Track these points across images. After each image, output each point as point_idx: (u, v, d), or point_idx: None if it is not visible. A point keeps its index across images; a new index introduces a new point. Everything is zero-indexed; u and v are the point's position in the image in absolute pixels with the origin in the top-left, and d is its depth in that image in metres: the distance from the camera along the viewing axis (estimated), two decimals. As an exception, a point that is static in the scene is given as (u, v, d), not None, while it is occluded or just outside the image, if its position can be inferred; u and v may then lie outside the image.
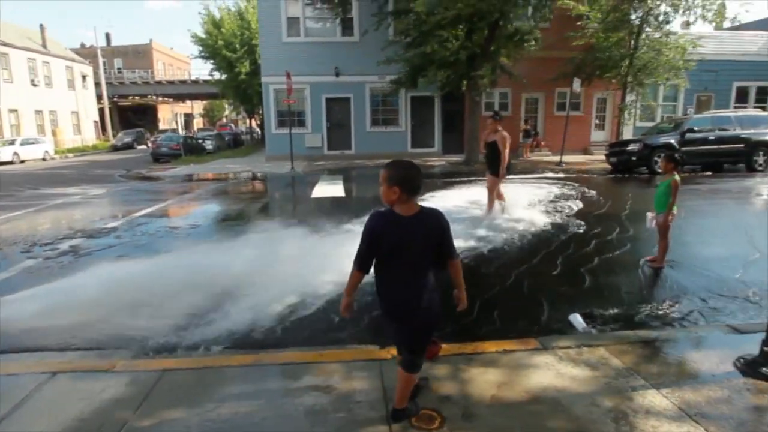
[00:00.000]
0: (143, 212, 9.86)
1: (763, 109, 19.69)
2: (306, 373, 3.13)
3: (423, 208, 2.41)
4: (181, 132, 50.68)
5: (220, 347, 3.68)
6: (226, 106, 57.17)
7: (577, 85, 16.80)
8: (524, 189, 11.41)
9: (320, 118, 20.14)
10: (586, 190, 11.43)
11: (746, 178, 13.38)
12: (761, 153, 14.46)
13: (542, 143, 20.25)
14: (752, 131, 14.48)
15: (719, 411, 2.77)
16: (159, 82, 48.72)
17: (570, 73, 17.49)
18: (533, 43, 16.10)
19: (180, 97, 54.87)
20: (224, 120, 64.28)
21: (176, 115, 61.55)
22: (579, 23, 17.61)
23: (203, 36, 29.75)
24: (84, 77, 40.61)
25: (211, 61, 31.01)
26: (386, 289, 2.46)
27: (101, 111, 42.67)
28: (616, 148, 15.40)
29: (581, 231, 7.47)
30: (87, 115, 40.66)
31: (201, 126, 62.17)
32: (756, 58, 21.45)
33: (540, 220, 8.09)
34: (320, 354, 3.39)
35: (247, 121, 47.25)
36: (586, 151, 20.32)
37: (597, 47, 17.50)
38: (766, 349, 3.18)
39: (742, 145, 14.39)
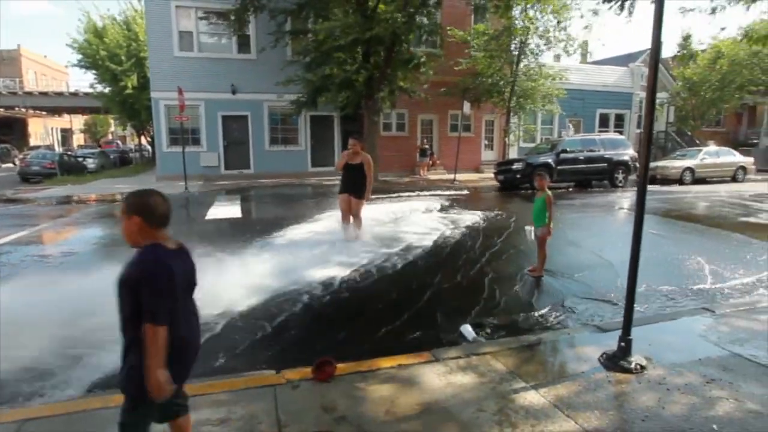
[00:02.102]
0: (7, 239, 8.70)
1: (621, 133, 22.60)
2: (196, 407, 2.96)
3: (180, 244, 2.09)
4: (58, 149, 45.65)
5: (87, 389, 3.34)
6: (112, 121, 52.54)
7: (467, 108, 18.01)
8: (419, 204, 11.95)
9: (216, 136, 19.35)
10: (477, 205, 12.21)
11: (610, 193, 15.21)
12: (620, 171, 16.58)
13: (437, 162, 21.30)
14: (613, 152, 16.57)
15: (586, 403, 3.09)
16: (29, 93, 43.51)
17: (459, 96, 18.74)
18: (429, 70, 16.97)
19: (56, 111, 49.48)
20: (110, 137, 59.05)
21: (51, 130, 55.41)
22: (465, 50, 19.01)
23: (83, 44, 27.25)
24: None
25: (93, 72, 28.46)
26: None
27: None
28: (503, 167, 16.70)
29: (470, 244, 7.95)
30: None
31: (82, 143, 56.55)
32: (613, 89, 24.63)
33: (431, 235, 8.48)
34: (210, 384, 3.22)
35: (136, 138, 43.93)
36: (477, 170, 21.75)
37: (481, 73, 18.98)
38: (622, 344, 3.62)
39: (605, 164, 16.40)
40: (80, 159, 26.97)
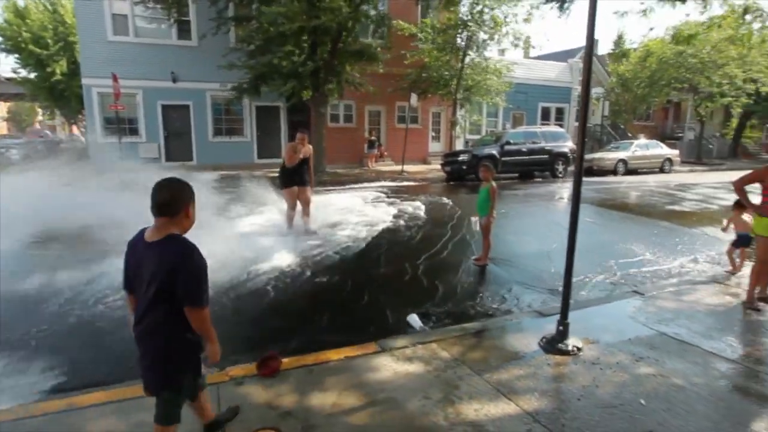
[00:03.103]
0: None
1: (561, 126, 23.57)
2: (131, 411, 2.82)
3: (169, 237, 2.06)
4: (-24, 139, 41.93)
5: None
6: (39, 109, 48.83)
7: (414, 100, 18.13)
8: (366, 195, 11.97)
9: (156, 126, 18.42)
10: (423, 197, 12.37)
11: (551, 184, 15.85)
12: (560, 162, 17.30)
13: (385, 154, 21.35)
14: (554, 144, 17.25)
15: (526, 386, 3.22)
16: (-61, 78, 39.65)
17: (407, 88, 18.84)
18: (378, 62, 16.88)
19: (-28, 97, 45.39)
20: (37, 126, 54.91)
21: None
22: (413, 43, 19.11)
23: (2, 24, 25.06)
24: None
25: (15, 56, 26.28)
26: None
27: None
28: (450, 158, 16.99)
29: (417, 235, 8.05)
30: None
31: (5, 132, 52.28)
32: (554, 83, 25.60)
33: (378, 226, 8.52)
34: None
35: (68, 127, 41.11)
36: (425, 161, 22.00)
37: (429, 66, 19.16)
38: (560, 328, 3.79)
39: (546, 156, 17.06)
40: (1, 150, 24.95)
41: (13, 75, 30.40)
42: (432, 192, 13.69)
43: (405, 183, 15.77)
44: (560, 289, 5.37)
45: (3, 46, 25.69)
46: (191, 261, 2.01)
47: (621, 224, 9.45)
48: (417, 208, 10.56)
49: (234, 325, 4.34)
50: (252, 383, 3.09)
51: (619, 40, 26.43)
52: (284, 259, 6.23)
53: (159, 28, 18.03)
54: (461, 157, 16.22)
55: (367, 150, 20.25)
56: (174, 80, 18.08)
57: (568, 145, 17.56)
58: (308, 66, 15.00)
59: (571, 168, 17.05)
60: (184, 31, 18.17)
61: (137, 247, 2.11)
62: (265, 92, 16.35)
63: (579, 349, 3.72)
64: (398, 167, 18.48)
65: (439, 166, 18.38)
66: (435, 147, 22.99)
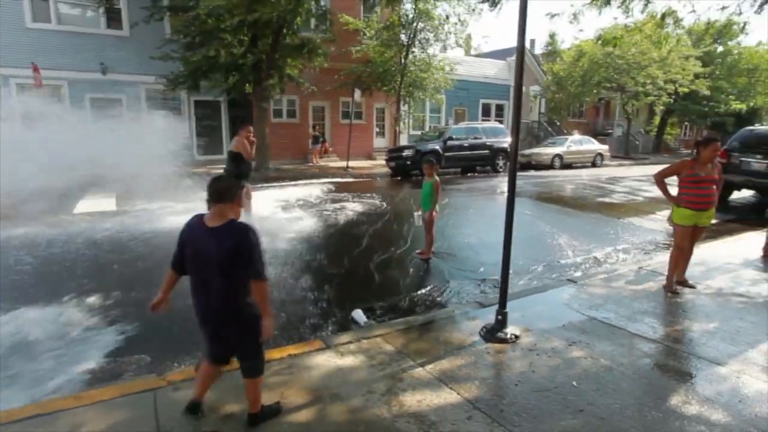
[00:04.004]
0: None
1: (501, 122, 24.37)
2: (62, 425, 2.65)
3: (230, 222, 2.41)
4: None
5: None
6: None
7: (357, 95, 18.11)
8: (309, 191, 11.87)
9: (84, 121, 17.29)
10: (368, 191, 12.40)
11: (492, 178, 16.35)
12: (501, 157, 17.87)
13: (330, 149, 21.21)
14: (494, 140, 17.79)
15: (467, 375, 3.31)
16: None
17: (351, 84, 18.79)
18: (320, 57, 16.68)
19: None
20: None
21: None
22: (357, 38, 19.08)
23: None
24: None
25: None
26: (194, 301, 2.49)
27: None
28: (394, 153, 17.11)
29: (361, 230, 8.07)
30: None
31: None
32: (494, 81, 26.41)
33: (321, 221, 8.47)
34: (77, 397, 2.90)
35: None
36: (370, 157, 22.06)
37: (373, 61, 19.20)
38: (499, 317, 3.94)
39: (487, 151, 17.57)
40: None
41: None
42: (376, 187, 13.75)
43: (349, 178, 15.73)
44: (499, 279, 5.64)
45: None
46: (253, 240, 2.40)
47: (556, 216, 9.91)
48: (360, 203, 10.58)
49: (175, 326, 4.18)
50: (190, 388, 2.98)
51: (551, 41, 27.59)
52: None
53: (85, 15, 16.90)
54: (405, 153, 16.38)
55: (311, 146, 20.03)
56: (103, 72, 17.02)
57: (507, 141, 18.15)
58: (248, 59, 14.60)
59: (511, 163, 17.73)
60: (114, 20, 17.12)
61: (196, 232, 2.44)
62: (205, 87, 15.74)
63: (517, 337, 3.88)
64: (343, 163, 18.42)
65: (383, 162, 18.48)
66: (379, 143, 23.09)
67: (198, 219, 2.47)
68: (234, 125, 19.36)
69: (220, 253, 2.33)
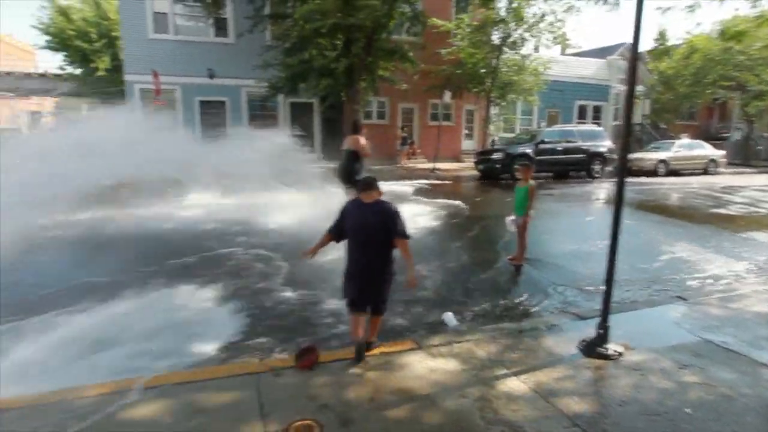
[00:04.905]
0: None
1: (599, 125, 22.94)
2: (177, 395, 2.91)
3: (378, 200, 3.39)
4: (26, 133, 43.90)
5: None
6: (84, 105, 50.82)
7: (447, 97, 17.99)
8: (395, 193, 11.92)
9: (193, 122, 18.91)
10: (456, 194, 12.26)
11: (587, 184, 15.45)
12: (597, 162, 16.82)
13: (417, 151, 21.28)
14: (591, 143, 16.79)
15: (565, 388, 3.15)
16: (-6, 74, 41.73)
17: (441, 86, 18.70)
18: (413, 60, 16.78)
19: (23, 93, 47.53)
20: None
21: (19, 113, 53.29)
22: (448, 40, 18.96)
23: (50, 24, 26.16)
24: None
25: (63, 54, 27.43)
26: (349, 261, 3.41)
27: None
28: (483, 156, 16.78)
29: (451, 233, 7.99)
30: None
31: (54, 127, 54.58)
32: (591, 81, 24.95)
33: (409, 223, 8.45)
34: (192, 373, 3.17)
35: (109, 122, 42.51)
36: (457, 159, 21.82)
37: (464, 63, 18.96)
38: (600, 331, 3.70)
39: (583, 156, 16.62)
40: (49, 143, 26.01)
41: (61, 72, 31.78)
42: (464, 190, 13.57)
43: (436, 180, 15.66)
44: (596, 290, 5.31)
45: (52, 44, 26.83)
46: (395, 210, 3.39)
47: (662, 227, 9.14)
48: (449, 205, 10.48)
49: (274, 316, 4.43)
50: (290, 375, 3.13)
51: (661, 37, 25.44)
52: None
53: (197, 25, 18.48)
54: (495, 156, 15.99)
55: (399, 147, 20.24)
56: (211, 77, 18.49)
57: (605, 145, 17.07)
58: (342, 63, 15.08)
59: (609, 168, 16.64)
60: (221, 28, 18.56)
61: (354, 208, 3.42)
62: (301, 90, 16.53)
63: (620, 354, 3.62)
64: (430, 165, 18.39)
65: (471, 164, 18.20)
66: (467, 145, 22.77)
67: (355, 200, 3.45)
68: (326, 126, 20.17)
69: (375, 220, 3.29)
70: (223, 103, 19.04)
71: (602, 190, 14.08)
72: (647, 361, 3.55)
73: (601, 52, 27.89)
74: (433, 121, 20.84)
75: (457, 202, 10.98)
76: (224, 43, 18.54)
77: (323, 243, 3.51)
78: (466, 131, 23.02)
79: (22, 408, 2.79)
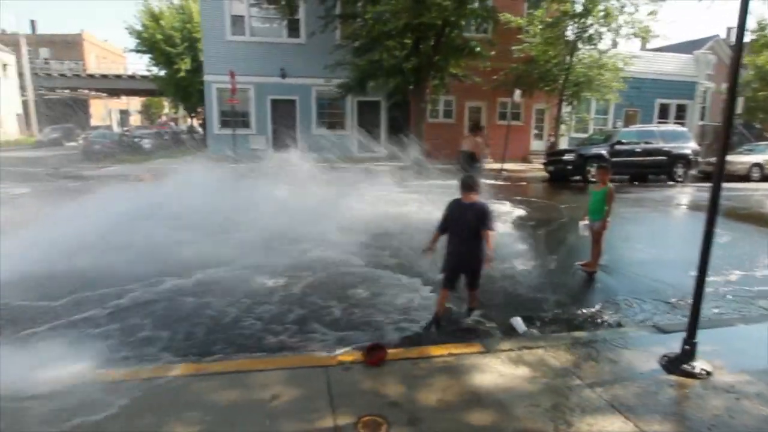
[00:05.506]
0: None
1: (682, 124, 21.36)
2: (249, 383, 3.04)
3: (477, 201, 4.07)
4: (116, 129, 47.85)
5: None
6: (166, 103, 54.61)
7: (517, 95, 17.48)
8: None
9: (265, 119, 19.71)
10: (526, 196, 11.90)
11: (668, 189, 14.44)
12: (680, 165, 15.66)
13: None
14: (673, 145, 15.66)
15: (646, 406, 2.95)
16: (91, 76, 45.69)
17: (510, 84, 18.20)
18: (485, 56, 16.46)
19: (115, 93, 51.79)
20: (163, 118, 61.33)
21: (110, 111, 58.13)
22: (519, 36, 18.39)
23: (140, 28, 28.33)
24: (5, 66, 37.47)
25: (149, 56, 29.60)
26: (449, 247, 4.12)
27: (25, 104, 39.48)
28: (554, 157, 16.16)
29: (520, 236, 7.74)
30: (8, 107, 37.51)
31: (139, 123, 59.05)
32: (674, 77, 23.27)
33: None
34: (264, 361, 3.30)
35: (188, 119, 45.41)
36: (525, 160, 21.16)
37: (536, 60, 18.31)
38: (686, 347, 3.43)
39: (664, 158, 15.53)
40: (136, 139, 28.14)
41: (147, 73, 34.31)
42: (534, 192, 13.14)
43: (505, 182, 15.28)
44: (678, 303, 4.94)
45: (140, 47, 29.01)
46: (489, 210, 4.05)
47: (757, 237, 8.36)
48: (519, 207, 10.19)
49: (339, 312, 4.51)
50: (359, 370, 3.17)
51: (760, 29, 23.20)
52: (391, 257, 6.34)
53: (271, 27, 19.22)
54: (566, 157, 15.35)
55: (464, 147, 19.94)
56: (283, 76, 19.17)
57: (689, 146, 15.87)
58: (411, 62, 15.09)
59: (693, 171, 15.47)
60: (293, 29, 19.20)
61: (456, 207, 4.11)
62: (369, 89, 16.75)
63: (708, 373, 3.34)
64: (498, 165, 17.98)
65: (539, 165, 17.61)
66: (537, 145, 22.04)
67: (457, 200, 4.11)
68: (392, 124, 20.29)
69: (472, 218, 3.96)
70: (293, 101, 19.67)
71: (684, 195, 13.13)
72: (740, 383, 3.25)
73: (688, 47, 25.96)
74: (502, 120, 20.35)
75: (526, 205, 10.65)
76: (296, 44, 19.15)
77: (435, 239, 4.21)
78: (536, 131, 22.29)
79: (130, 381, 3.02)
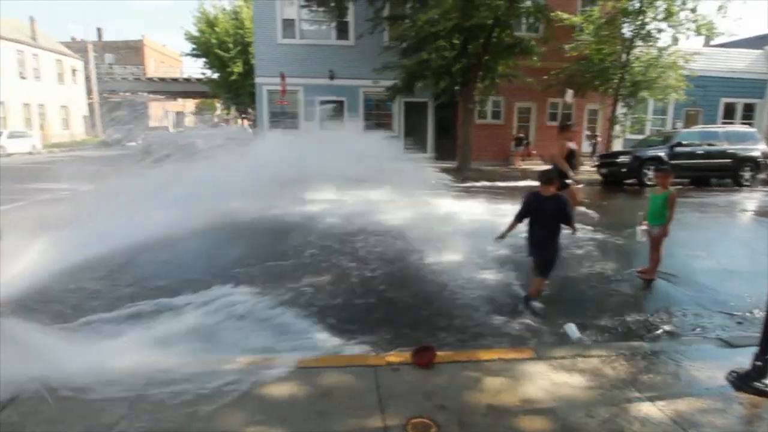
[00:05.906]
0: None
1: (750, 125, 20.01)
2: (297, 378, 3.08)
3: (556, 194, 4.40)
4: (172, 130, 50.10)
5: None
6: (218, 105, 56.70)
7: (569, 96, 16.92)
8: (509, 194, 11.46)
9: (313, 120, 20.03)
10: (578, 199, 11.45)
11: (733, 193, 13.55)
12: (747, 168, 14.66)
13: (533, 153, 20.33)
14: (739, 147, 14.69)
15: (713, 424, 2.78)
16: (151, 79, 48.25)
17: (562, 84, 17.64)
18: (533, 55, 16.05)
19: (171, 95, 54.34)
20: (215, 120, 63.67)
21: (167, 112, 60.97)
22: (572, 34, 17.78)
23: (196, 34, 29.59)
24: (74, 71, 40.07)
25: (204, 60, 30.87)
26: (529, 235, 4.53)
27: (91, 106, 42.12)
28: (607, 159, 15.53)
29: (573, 240, 7.46)
30: (76, 109, 40.10)
31: (193, 124, 61.61)
32: (743, 75, 21.85)
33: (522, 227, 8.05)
34: (315, 359, 3.34)
35: (239, 121, 46.95)
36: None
37: (590, 59, 17.64)
38: (758, 363, 3.20)
39: (729, 161, 14.58)
40: (191, 140, 29.33)
41: (201, 76, 35.79)
42: (586, 195, 12.66)
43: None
44: (745, 315, 4.62)
45: (195, 52, 30.30)
46: (568, 203, 4.46)
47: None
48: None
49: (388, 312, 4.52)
50: (407, 371, 3.16)
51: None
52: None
53: (320, 29, 19.54)
54: (620, 159, 14.71)
55: (513, 148, 19.55)
56: (331, 77, 19.44)
57: (758, 148, 14.82)
58: (460, 62, 14.92)
59: (762, 175, 14.49)
60: (342, 31, 19.42)
61: (535, 199, 4.42)
62: (417, 89, 16.70)
63: (783, 392, 3.10)
64: (546, 167, 17.49)
65: (590, 168, 16.99)
66: (589, 147, 21.27)
67: (536, 192, 4.42)
68: (439, 125, 20.14)
69: (552, 210, 4.34)
70: (341, 102, 19.90)
71: (751, 200, 12.30)
72: (821, 404, 3.00)
73: (756, 42, 24.28)
74: (552, 121, 19.78)
75: (579, 207, 10.26)
76: (344, 46, 19.37)
77: (511, 227, 4.59)
78: (587, 132, 21.52)
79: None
